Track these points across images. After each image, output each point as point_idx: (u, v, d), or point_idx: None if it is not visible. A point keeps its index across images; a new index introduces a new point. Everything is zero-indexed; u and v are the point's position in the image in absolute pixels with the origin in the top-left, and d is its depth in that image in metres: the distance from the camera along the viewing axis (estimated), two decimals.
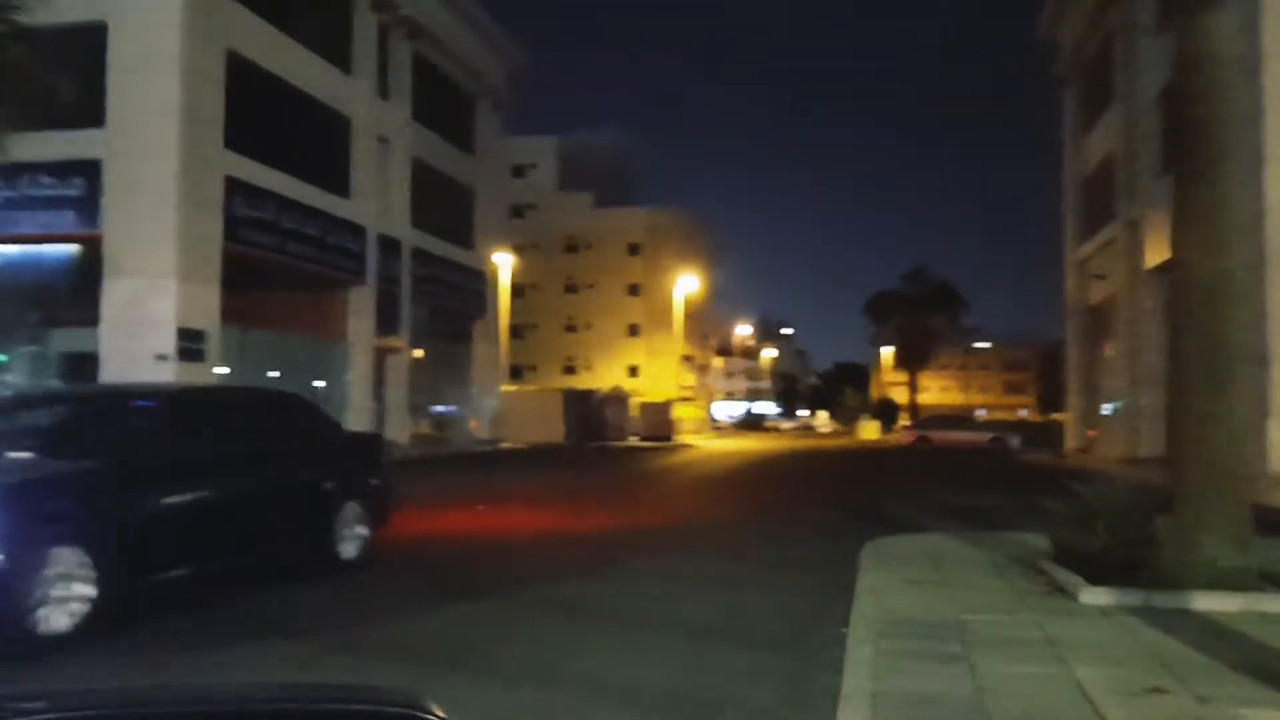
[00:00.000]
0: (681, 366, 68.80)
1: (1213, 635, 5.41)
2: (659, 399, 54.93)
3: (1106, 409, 32.14)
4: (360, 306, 28.91)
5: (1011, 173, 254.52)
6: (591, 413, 45.42)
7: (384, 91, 30.92)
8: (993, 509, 14.89)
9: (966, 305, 63.92)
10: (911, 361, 63.80)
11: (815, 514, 14.34)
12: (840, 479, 23.61)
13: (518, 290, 58.94)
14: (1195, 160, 7.09)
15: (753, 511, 14.88)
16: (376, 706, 1.40)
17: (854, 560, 9.11)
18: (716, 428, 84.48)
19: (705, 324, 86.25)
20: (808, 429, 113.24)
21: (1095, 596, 6.28)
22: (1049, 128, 40.97)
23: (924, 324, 62.73)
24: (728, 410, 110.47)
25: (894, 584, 7.22)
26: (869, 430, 66.08)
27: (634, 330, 77.12)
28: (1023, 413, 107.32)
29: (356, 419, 28.38)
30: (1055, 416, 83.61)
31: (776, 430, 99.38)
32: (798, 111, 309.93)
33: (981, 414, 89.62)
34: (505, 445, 36.08)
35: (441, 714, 1.38)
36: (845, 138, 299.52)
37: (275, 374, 25.15)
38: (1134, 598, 6.23)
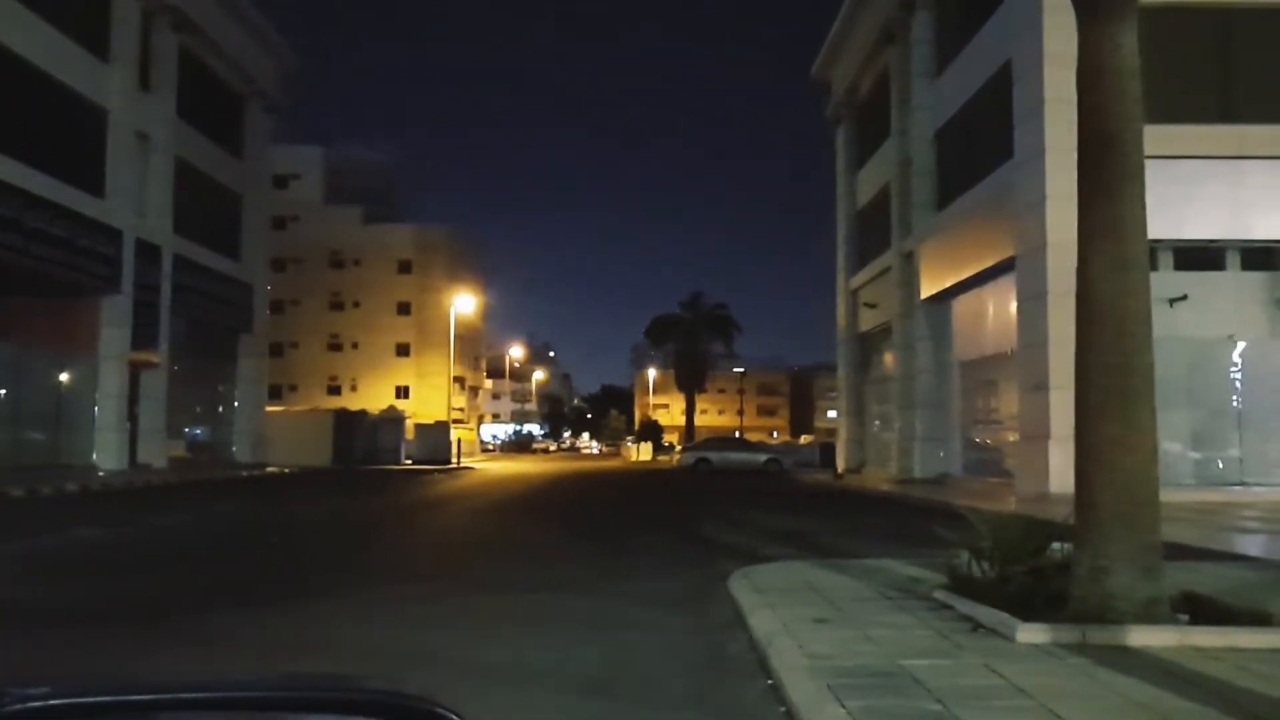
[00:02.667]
0: (453, 388, 67.01)
1: (1179, 679, 5.11)
2: (434, 420, 53.10)
3: (888, 427, 33.51)
4: (114, 317, 26.01)
5: (789, 202, 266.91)
6: (365, 435, 43.21)
7: (145, 84, 28.13)
8: (816, 531, 14.81)
9: (740, 330, 65.88)
10: (688, 384, 65.00)
11: (644, 541, 13.71)
12: (643, 502, 23.20)
13: (277, 306, 55.53)
14: (1102, 176, 6.97)
15: (578, 538, 14.07)
16: (387, 698, 1.35)
17: (720, 593, 8.51)
18: (486, 450, 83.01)
19: (477, 345, 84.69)
20: (574, 450, 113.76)
21: (1031, 635, 5.91)
22: (825, 162, 42.72)
23: (700, 348, 64.15)
24: (493, 432, 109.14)
25: (800, 623, 6.63)
26: (641, 452, 66.69)
27: (403, 350, 74.59)
28: (775, 434, 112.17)
29: (105, 440, 25.40)
30: (805, 438, 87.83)
31: (545, 452, 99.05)
32: (580, 138, 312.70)
33: (774, 436, 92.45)
34: (271, 469, 33.52)
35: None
36: (628, 166, 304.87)
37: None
38: (1069, 634, 5.90)
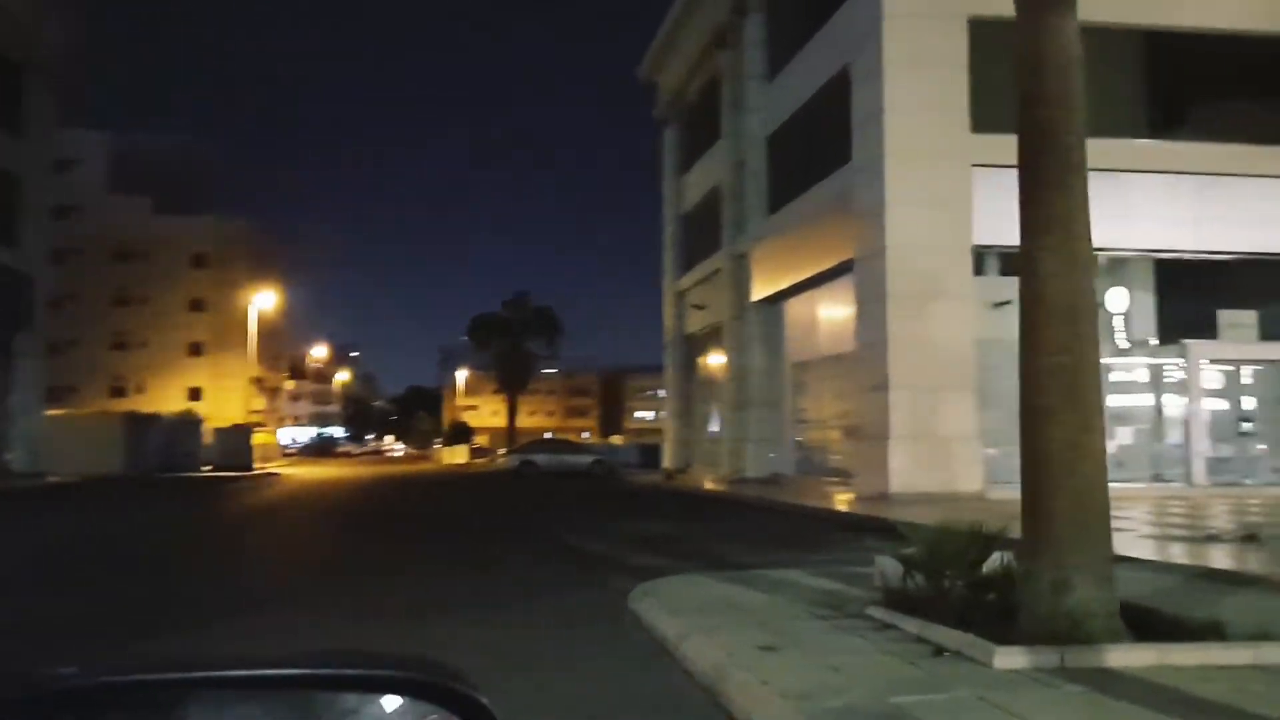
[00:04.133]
0: (251, 389, 63.30)
1: (1190, 707, 4.75)
2: (232, 424, 49.82)
3: (714, 429, 33.55)
4: None
5: (612, 203, 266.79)
6: (159, 440, 39.96)
7: None
8: (682, 536, 14.29)
9: (563, 331, 65.02)
10: (510, 385, 63.67)
11: (507, 554, 12.76)
12: (483, 509, 22.09)
13: (54, 301, 50.81)
14: (1050, 168, 6.64)
15: (433, 553, 12.90)
16: (412, 674, 1.36)
17: (624, 615, 7.79)
18: (287, 454, 79.17)
19: (277, 344, 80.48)
20: (378, 454, 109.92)
21: (1009, 659, 5.46)
22: (652, 163, 42.58)
23: (523, 349, 62.99)
24: (294, 435, 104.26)
25: (746, 652, 5.97)
26: (455, 454, 64.89)
27: (196, 349, 70.00)
28: (585, 435, 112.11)
29: None
30: (616, 439, 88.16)
31: (349, 455, 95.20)
32: (396, 137, 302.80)
33: (584, 437, 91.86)
34: (54, 479, 30.32)
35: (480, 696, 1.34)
36: (444, 167, 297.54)
37: None
38: (1048, 658, 5.48)
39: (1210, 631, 6.00)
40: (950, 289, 19.81)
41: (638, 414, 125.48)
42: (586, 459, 40.83)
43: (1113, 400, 21.24)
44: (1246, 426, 20.93)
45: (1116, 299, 21.33)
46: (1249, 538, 11.78)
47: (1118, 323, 21.37)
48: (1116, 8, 20.53)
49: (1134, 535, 13.04)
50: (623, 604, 8.15)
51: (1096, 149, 19.92)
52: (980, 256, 20.34)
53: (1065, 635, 5.77)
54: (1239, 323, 20.83)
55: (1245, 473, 20.48)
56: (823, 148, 23.77)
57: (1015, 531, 7.08)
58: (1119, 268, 21.57)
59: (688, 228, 37.25)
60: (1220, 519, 15.42)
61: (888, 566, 8.05)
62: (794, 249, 25.59)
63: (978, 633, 5.86)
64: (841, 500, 19.75)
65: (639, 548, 12.70)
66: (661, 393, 43.97)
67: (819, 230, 23.78)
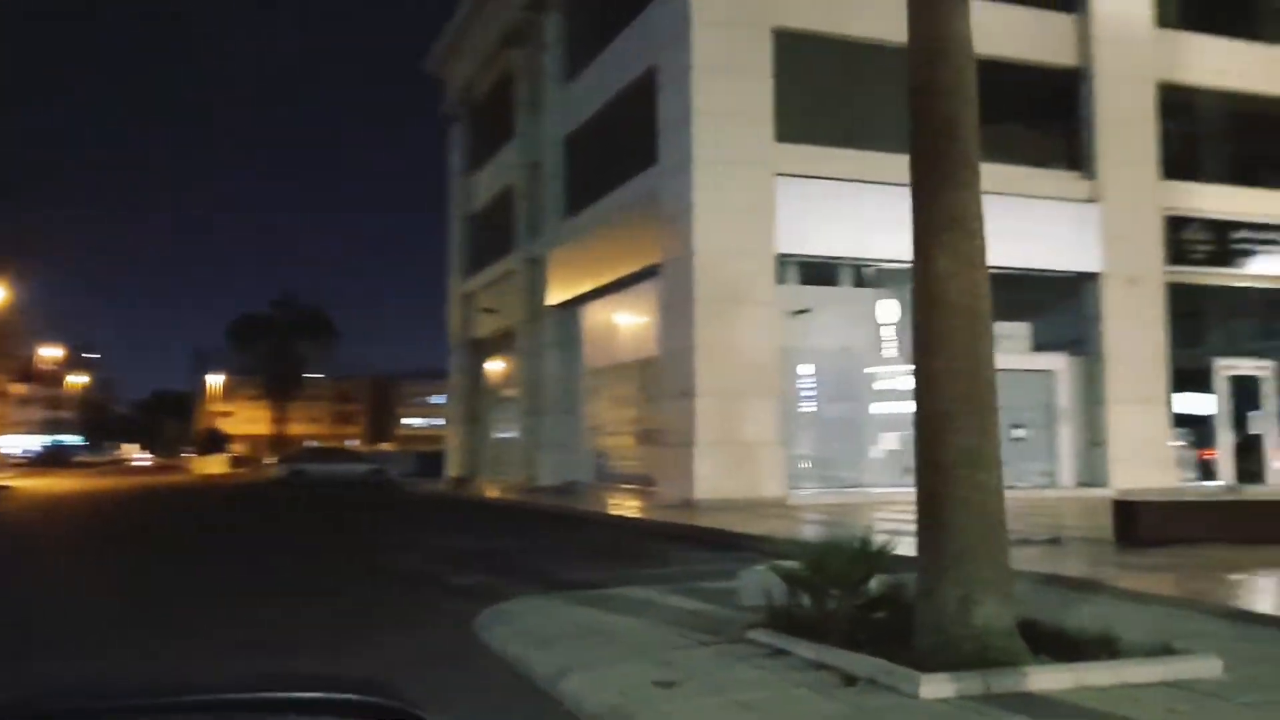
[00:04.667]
0: None
1: None
2: None
3: (504, 436, 32.59)
4: None
5: (398, 201, 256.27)
6: None
7: None
8: (498, 552, 13.44)
9: (336, 334, 61.80)
10: (278, 390, 59.86)
11: (312, 575, 11.51)
12: (265, 525, 20.26)
13: None
14: (944, 164, 6.38)
15: (231, 576, 11.40)
16: (362, 698, 1.39)
17: (475, 647, 6.96)
18: (15, 464, 71.76)
19: (6, 345, 72.65)
20: (120, 463, 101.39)
21: (937, 688, 5.05)
22: (438, 161, 41.18)
23: (293, 352, 59.40)
24: (22, 444, 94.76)
25: (641, 690, 5.31)
26: (211, 464, 60.58)
27: None
28: (353, 442, 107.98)
29: None
30: (385, 446, 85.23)
31: (89, 466, 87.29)
32: (154, 131, 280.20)
33: (354, 444, 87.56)
34: None
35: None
36: (209, 164, 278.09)
37: None
38: (971, 684, 5.12)
39: (1105, 646, 5.83)
40: (755, 296, 19.88)
41: (409, 421, 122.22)
42: (362, 468, 38.93)
43: (891, 408, 22.05)
44: (1018, 433, 22.18)
45: (887, 310, 21.96)
46: (1053, 541, 12.18)
47: (887, 333, 22.01)
48: (898, 28, 21.37)
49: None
50: (468, 633, 7.30)
51: (886, 162, 20.37)
52: (783, 265, 20.53)
53: (975, 657, 5.46)
54: (1012, 334, 22.03)
55: (1017, 476, 21.65)
56: (625, 150, 23.45)
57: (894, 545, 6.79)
58: (905, 278, 22.37)
59: (477, 229, 36.16)
60: (1014, 522, 16.09)
61: (752, 583, 7.61)
62: (594, 253, 25.14)
63: (888, 657, 5.45)
64: (649, 509, 19.39)
65: (458, 566, 11.77)
66: (436, 399, 42.54)
67: (621, 234, 23.43)
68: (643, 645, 6.41)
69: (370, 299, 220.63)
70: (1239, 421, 23.36)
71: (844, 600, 6.32)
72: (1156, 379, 22.32)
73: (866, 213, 20.76)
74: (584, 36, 26.80)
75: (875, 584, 6.52)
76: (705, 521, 15.99)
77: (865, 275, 22.40)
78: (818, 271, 21.97)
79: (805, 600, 6.58)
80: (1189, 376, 22.87)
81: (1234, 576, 9.10)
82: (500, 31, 31.77)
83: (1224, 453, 23.16)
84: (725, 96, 20.15)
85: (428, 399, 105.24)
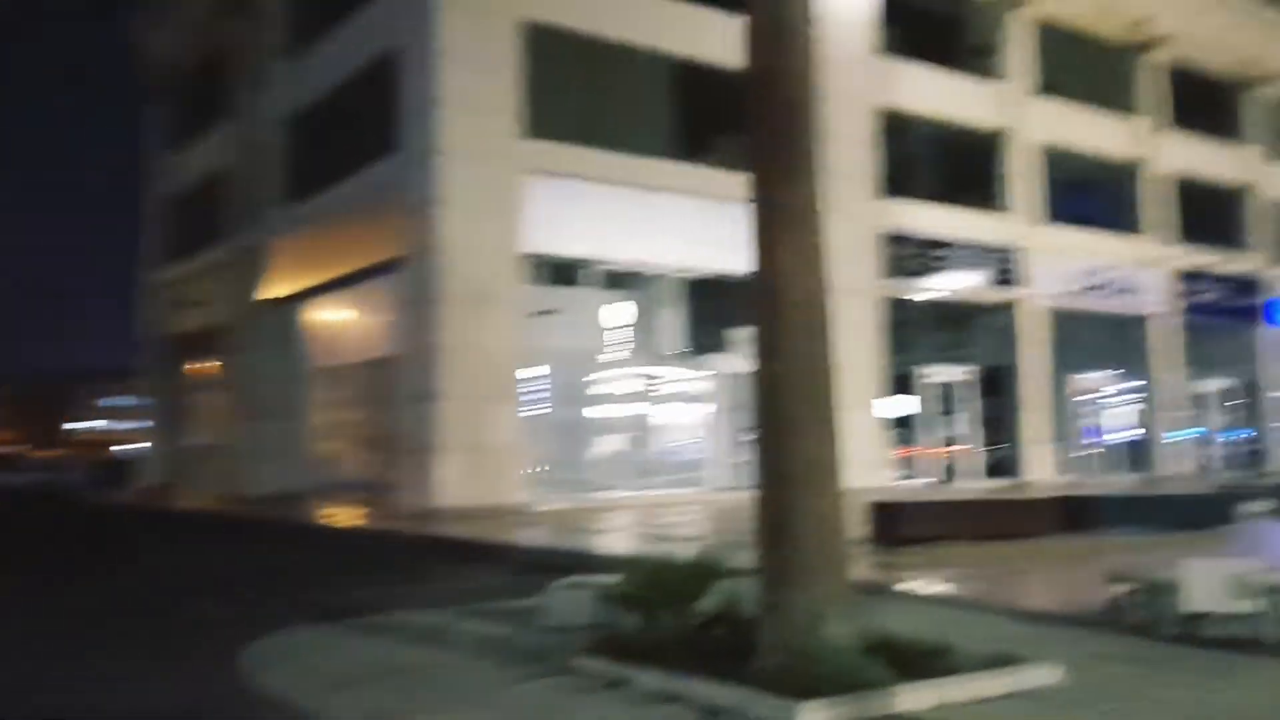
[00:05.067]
0: None
1: None
2: None
3: (207, 442, 29.80)
4: None
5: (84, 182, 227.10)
6: None
7: None
8: (239, 573, 11.97)
9: None
10: None
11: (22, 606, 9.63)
12: None
13: None
14: (788, 153, 6.08)
15: None
16: None
17: (253, 693, 5.93)
18: None
19: None
20: None
21: (814, 716, 4.67)
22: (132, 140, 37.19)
23: None
24: None
25: None
26: None
27: None
28: (12, 449, 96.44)
29: None
30: (51, 452, 76.53)
31: None
32: None
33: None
34: None
35: None
36: None
37: None
38: (844, 709, 4.79)
39: (943, 658, 5.72)
40: (500, 296, 19.19)
41: (84, 424, 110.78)
42: (32, 477, 34.51)
43: (627, 410, 22.11)
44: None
45: (617, 313, 21.91)
46: None
47: (614, 337, 22.01)
48: (649, 32, 21.47)
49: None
50: (236, 675, 6.20)
51: (633, 165, 20.38)
52: (530, 265, 19.96)
53: (832, 678, 5.16)
54: (745, 339, 22.66)
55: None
56: (361, 136, 22.02)
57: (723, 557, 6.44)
58: (654, 283, 22.47)
59: (181, 213, 32.92)
60: None
61: (563, 602, 7.03)
62: (322, 245, 23.45)
63: (733, 680, 5.04)
64: (389, 518, 18.20)
65: (195, 590, 10.31)
66: (117, 400, 38.55)
67: (355, 226, 21.96)
68: (457, 684, 5.65)
69: (43, 286, 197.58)
70: (941, 424, 25.30)
71: (677, 618, 5.87)
72: (874, 386, 23.69)
73: (612, 215, 20.68)
74: (313, 12, 24.97)
75: (709, 600, 6.13)
76: (458, 531, 15.17)
77: (607, 278, 22.29)
78: (563, 273, 21.59)
79: (630, 620, 6.08)
80: (899, 383, 24.47)
81: (1002, 573, 9.52)
82: (213, 1, 29.11)
83: (929, 453, 24.99)
84: (473, 87, 19.34)
85: (113, 400, 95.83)
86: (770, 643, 5.49)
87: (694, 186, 21.58)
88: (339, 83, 23.14)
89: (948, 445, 25.35)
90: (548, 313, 21.11)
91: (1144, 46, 29.31)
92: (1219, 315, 30.60)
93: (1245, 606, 6.27)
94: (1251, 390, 31.81)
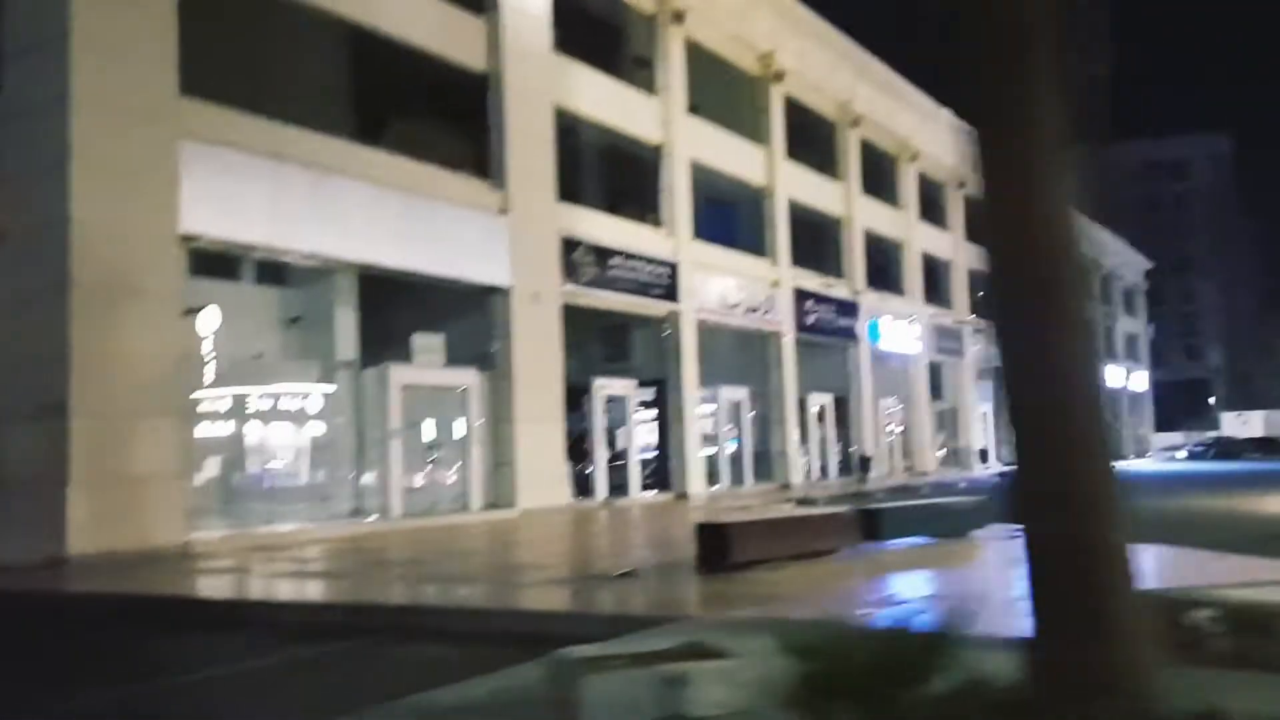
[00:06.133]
0: None
1: None
2: None
3: None
4: None
5: None
6: None
7: None
8: None
9: None
10: None
11: None
12: None
13: None
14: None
15: None
16: None
17: None
18: None
19: None
20: None
21: None
22: None
23: None
24: None
25: None
26: None
27: None
28: None
29: None
30: None
31: None
32: None
33: None
34: None
35: None
36: None
37: None
38: None
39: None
40: (150, 287, 15.37)
41: None
42: None
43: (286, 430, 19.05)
44: (435, 455, 20.56)
45: (209, 318, 17.30)
46: (630, 574, 10.85)
47: (208, 346, 17.78)
48: None
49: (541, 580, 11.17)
50: None
51: (305, 140, 17.35)
52: (187, 252, 16.24)
53: None
54: (430, 346, 20.41)
55: (432, 502, 20.05)
56: None
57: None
58: (325, 279, 19.44)
59: None
60: (500, 553, 14.46)
61: (613, 692, 4.93)
62: None
63: None
64: (12, 575, 13.64)
65: None
66: None
67: None
68: None
69: None
70: (609, 439, 24.64)
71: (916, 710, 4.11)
72: (555, 397, 22.46)
73: (283, 197, 17.57)
74: None
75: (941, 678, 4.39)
76: (146, 585, 11.62)
77: (269, 271, 18.98)
78: (221, 264, 17.97)
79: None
80: (573, 395, 23.45)
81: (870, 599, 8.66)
82: None
83: (599, 469, 24.17)
84: (117, 23, 15.38)
85: None
86: None
87: (374, 173, 19.04)
88: None
89: (614, 459, 24.74)
90: (196, 311, 17.45)
91: (775, 78, 31.01)
92: (826, 334, 33.17)
93: None
94: (844, 404, 34.80)
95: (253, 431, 17.77)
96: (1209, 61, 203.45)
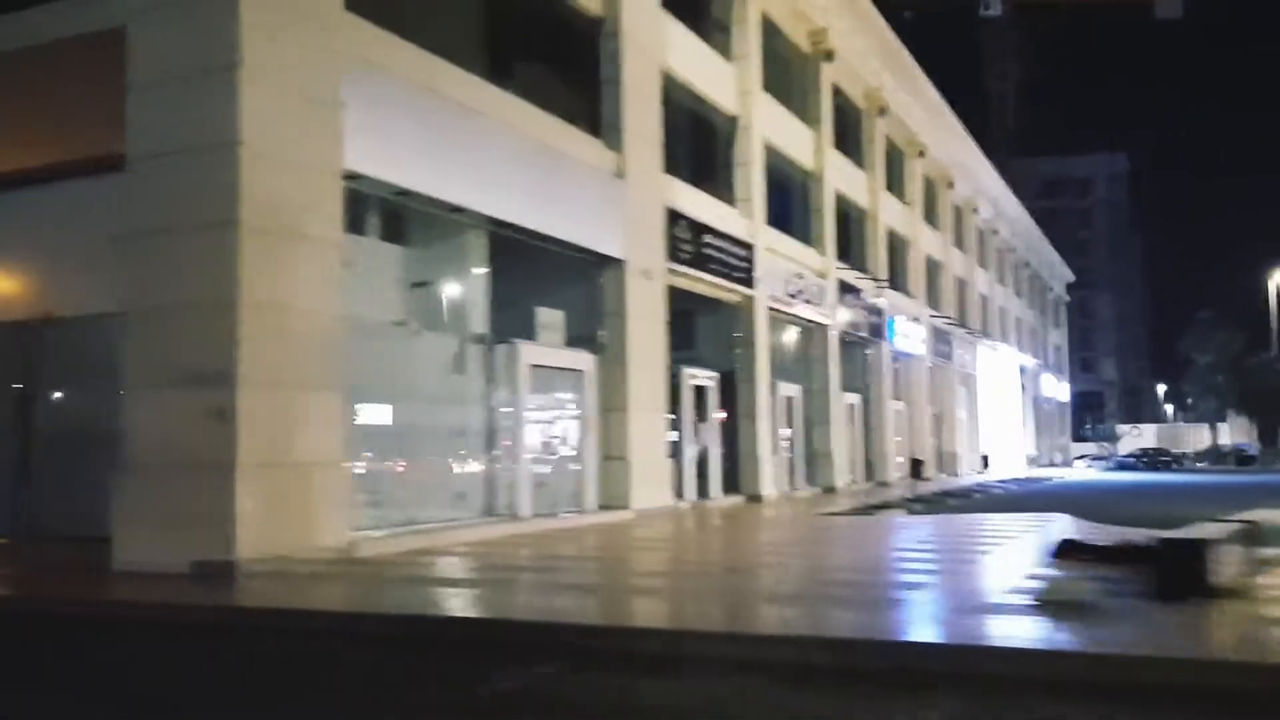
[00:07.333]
0: None
1: None
2: None
3: None
4: None
5: None
6: None
7: None
8: None
9: None
10: None
11: None
12: None
13: None
14: None
15: None
16: None
17: None
18: None
19: None
20: None
21: None
22: None
23: None
24: None
25: None
26: None
27: None
28: None
29: None
30: None
31: None
32: None
33: None
34: None
35: None
36: None
37: None
38: None
39: None
40: (312, 232, 12.58)
41: None
42: None
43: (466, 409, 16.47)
44: (561, 447, 18.07)
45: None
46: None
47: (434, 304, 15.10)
48: None
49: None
50: None
51: (457, 79, 14.74)
52: (345, 192, 13.40)
53: None
54: (553, 323, 17.97)
55: (553, 503, 17.58)
56: None
57: None
58: (453, 237, 16.69)
59: None
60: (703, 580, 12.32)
61: None
62: None
63: None
64: (163, 588, 10.67)
65: None
66: None
67: (43, 90, 13.29)
68: None
69: None
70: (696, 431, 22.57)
71: None
72: (662, 386, 20.34)
73: (434, 136, 14.95)
74: None
75: None
76: (368, 602, 9.05)
77: (397, 223, 16.21)
78: (365, 208, 15.12)
79: None
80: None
81: None
82: None
83: (688, 467, 22.05)
84: None
85: None
86: None
87: (510, 118, 16.56)
88: None
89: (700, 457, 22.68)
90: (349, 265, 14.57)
91: (825, 57, 29.49)
92: (859, 331, 31.88)
93: None
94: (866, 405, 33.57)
95: (391, 413, 14.95)
96: (1113, 84, 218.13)
